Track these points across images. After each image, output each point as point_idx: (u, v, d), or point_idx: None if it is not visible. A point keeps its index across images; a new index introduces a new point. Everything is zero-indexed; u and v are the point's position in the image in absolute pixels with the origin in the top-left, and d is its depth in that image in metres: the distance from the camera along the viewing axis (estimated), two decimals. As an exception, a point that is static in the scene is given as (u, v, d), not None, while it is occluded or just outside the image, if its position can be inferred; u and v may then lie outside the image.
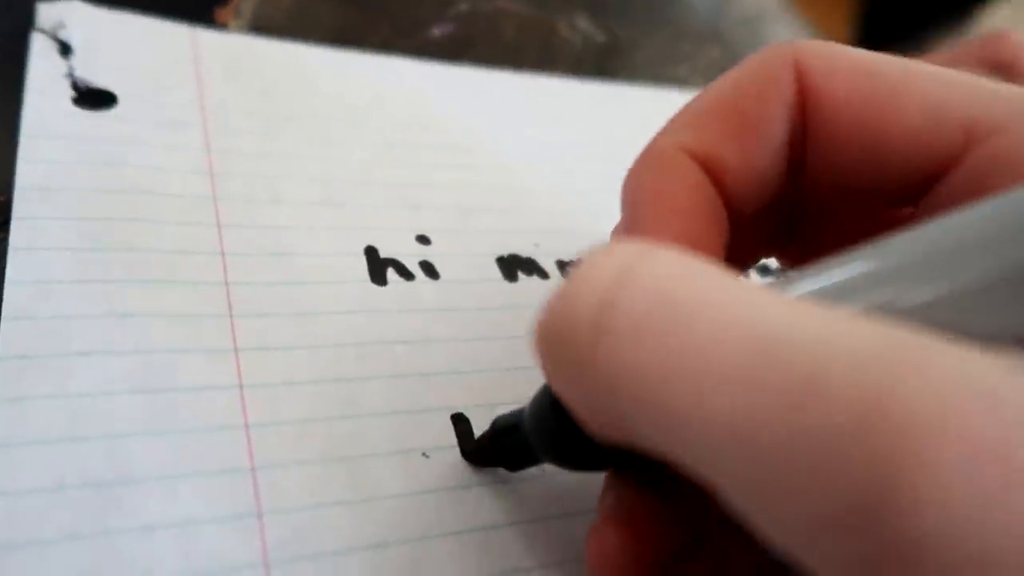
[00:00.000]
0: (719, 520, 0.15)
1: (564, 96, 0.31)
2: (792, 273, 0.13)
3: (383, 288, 0.21)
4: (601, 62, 0.34)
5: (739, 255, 0.18)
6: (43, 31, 0.23)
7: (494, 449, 0.17)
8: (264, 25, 0.28)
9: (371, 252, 0.21)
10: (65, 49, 0.23)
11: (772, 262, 0.25)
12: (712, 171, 0.15)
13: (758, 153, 0.15)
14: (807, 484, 0.09)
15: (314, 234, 0.21)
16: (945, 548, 0.08)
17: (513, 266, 0.23)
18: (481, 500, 0.17)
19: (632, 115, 0.31)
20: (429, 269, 0.22)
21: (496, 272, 0.22)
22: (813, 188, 0.16)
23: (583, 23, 0.35)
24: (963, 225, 0.11)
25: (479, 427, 0.18)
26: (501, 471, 0.18)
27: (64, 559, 0.14)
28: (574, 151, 0.28)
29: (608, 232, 0.25)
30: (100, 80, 0.22)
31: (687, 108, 0.16)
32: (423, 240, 0.22)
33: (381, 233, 0.22)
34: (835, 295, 0.12)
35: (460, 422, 0.18)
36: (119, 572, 0.14)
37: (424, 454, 0.18)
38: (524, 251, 0.23)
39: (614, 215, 0.26)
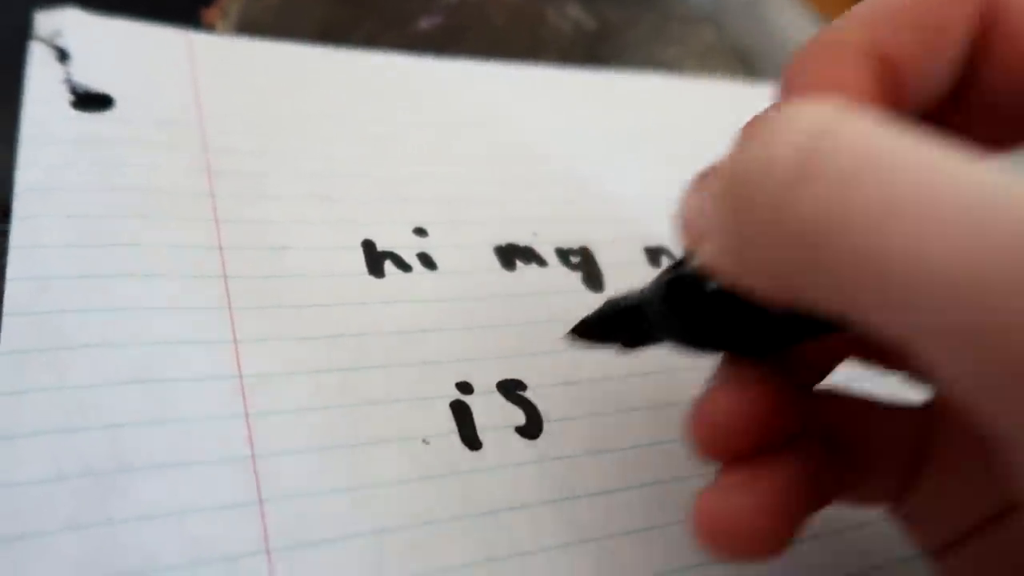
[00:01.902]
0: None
1: (555, 84, 0.31)
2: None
3: (381, 280, 0.21)
4: (592, 48, 0.34)
5: None
6: (41, 39, 0.23)
7: (609, 328, 0.17)
8: (251, 24, 0.28)
9: (368, 245, 0.21)
10: (63, 56, 0.23)
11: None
12: (886, 67, 0.15)
13: (936, 56, 0.15)
14: None
15: (311, 228, 0.21)
16: None
17: (511, 255, 0.23)
18: (481, 485, 0.17)
19: (624, 101, 0.31)
20: (427, 260, 0.22)
21: (494, 261, 0.23)
22: (980, 104, 0.16)
23: (573, 10, 0.35)
24: None
25: (478, 415, 0.18)
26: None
27: (65, 548, 0.14)
28: (569, 138, 0.28)
29: (605, 218, 0.25)
30: (97, 84, 0.23)
31: (867, 4, 0.15)
32: (420, 232, 0.22)
33: (378, 227, 0.22)
34: None
35: (460, 409, 0.18)
36: (120, 560, 0.14)
37: (424, 440, 0.18)
38: (522, 240, 0.23)
39: (611, 201, 0.26)
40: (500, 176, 0.25)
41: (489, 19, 0.33)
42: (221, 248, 0.20)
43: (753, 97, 0.35)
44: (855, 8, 0.15)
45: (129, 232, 0.19)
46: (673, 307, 0.15)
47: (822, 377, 0.17)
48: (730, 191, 0.12)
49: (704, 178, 0.14)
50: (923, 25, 0.15)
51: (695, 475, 0.19)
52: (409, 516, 0.16)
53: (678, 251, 0.25)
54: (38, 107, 0.21)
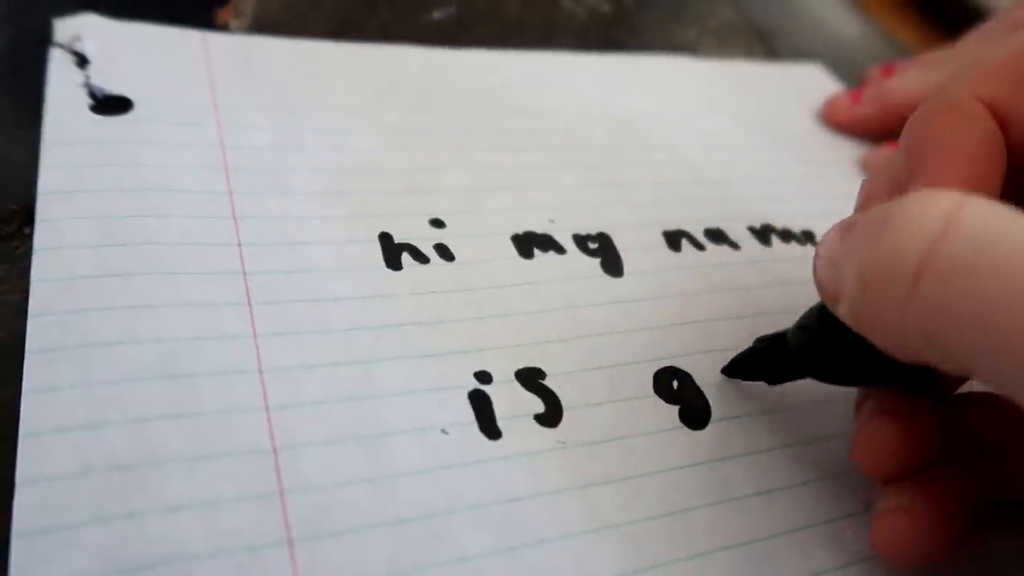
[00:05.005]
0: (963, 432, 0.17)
1: (569, 70, 0.31)
2: None
3: (398, 273, 0.21)
4: (608, 32, 0.34)
5: None
6: (60, 45, 0.24)
7: (758, 364, 0.19)
8: (265, 22, 0.28)
9: (385, 238, 0.22)
10: (82, 61, 0.23)
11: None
12: (1004, 121, 0.16)
13: None
14: None
15: (328, 223, 0.21)
16: None
17: (528, 243, 0.23)
18: (501, 474, 0.17)
19: (642, 85, 0.31)
20: (444, 252, 0.22)
21: (511, 250, 0.22)
22: None
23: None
24: None
25: (497, 404, 0.18)
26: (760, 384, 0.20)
27: (92, 540, 0.14)
28: (585, 125, 0.28)
29: (622, 203, 0.25)
30: (116, 88, 0.23)
31: (984, 60, 0.17)
32: (437, 224, 0.22)
33: (395, 219, 0.22)
34: None
35: (479, 399, 0.18)
36: (145, 552, 0.14)
37: (443, 431, 0.18)
38: (539, 227, 0.23)
39: (628, 186, 0.25)
40: (516, 164, 0.25)
41: (502, 7, 0.33)
42: (240, 245, 0.20)
43: (773, 76, 0.35)
44: (976, 62, 0.17)
45: (149, 231, 0.19)
46: (819, 341, 0.17)
47: (956, 387, 0.18)
48: (862, 280, 0.14)
49: (841, 231, 0.15)
50: None
51: (712, 460, 0.19)
52: (429, 506, 0.16)
53: (698, 234, 0.24)
54: (59, 111, 0.22)
